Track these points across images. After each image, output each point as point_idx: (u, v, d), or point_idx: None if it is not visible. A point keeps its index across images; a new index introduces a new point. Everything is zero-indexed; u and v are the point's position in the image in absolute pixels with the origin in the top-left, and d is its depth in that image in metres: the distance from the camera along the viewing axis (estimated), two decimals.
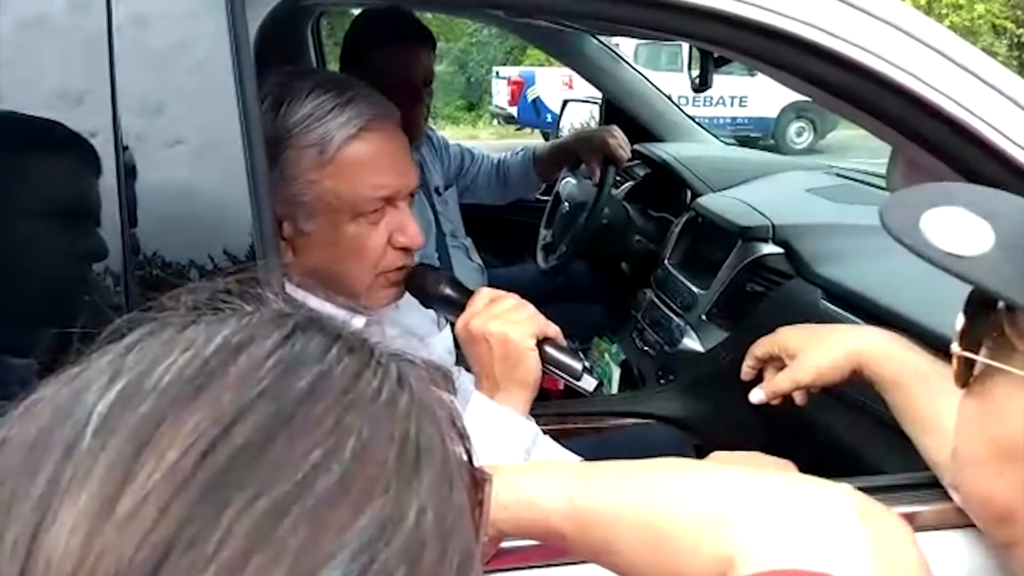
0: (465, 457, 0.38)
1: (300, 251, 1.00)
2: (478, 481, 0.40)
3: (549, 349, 0.98)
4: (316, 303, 0.96)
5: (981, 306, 0.55)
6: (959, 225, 0.52)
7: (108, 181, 0.74)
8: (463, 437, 0.38)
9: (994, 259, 0.51)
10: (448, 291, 1.04)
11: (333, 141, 0.96)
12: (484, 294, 1.00)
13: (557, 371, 0.98)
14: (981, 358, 0.55)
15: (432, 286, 1.04)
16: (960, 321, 0.56)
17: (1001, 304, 0.54)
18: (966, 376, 0.57)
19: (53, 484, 0.29)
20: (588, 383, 0.98)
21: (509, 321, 0.96)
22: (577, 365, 0.98)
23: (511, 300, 0.99)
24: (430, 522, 0.32)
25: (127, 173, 0.74)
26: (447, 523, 0.33)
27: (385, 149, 1.00)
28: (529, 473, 0.57)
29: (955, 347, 0.56)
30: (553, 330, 0.99)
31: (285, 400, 0.31)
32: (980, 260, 0.51)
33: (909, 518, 0.83)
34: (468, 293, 1.03)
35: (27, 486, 0.29)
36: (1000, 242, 0.52)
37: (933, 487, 0.86)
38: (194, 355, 0.32)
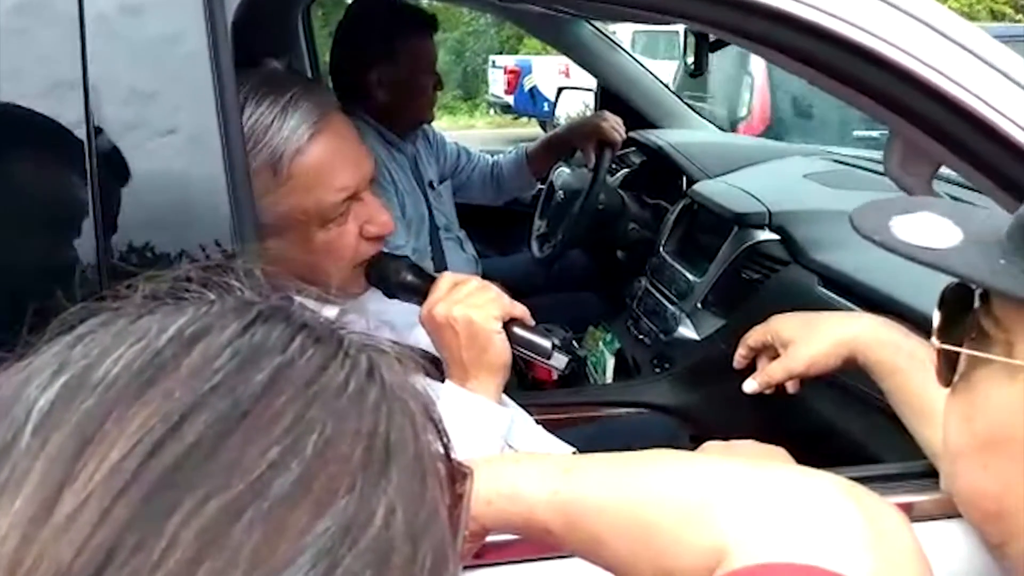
0: (442, 451, 0.36)
1: (271, 265, 0.96)
2: (457, 476, 0.38)
3: (517, 329, 0.96)
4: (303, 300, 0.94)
5: (956, 303, 0.57)
6: (928, 226, 0.55)
7: (81, 173, 0.73)
8: (439, 430, 0.36)
9: (963, 250, 0.53)
10: (409, 278, 1.01)
11: (284, 157, 0.92)
12: (446, 279, 0.98)
13: (526, 351, 0.96)
14: (961, 349, 0.56)
15: (393, 274, 1.02)
16: (936, 318, 0.57)
17: (976, 303, 0.56)
18: (948, 375, 0.58)
19: None
20: (559, 361, 0.96)
21: (473, 304, 0.93)
22: (546, 343, 0.96)
23: (474, 283, 0.97)
24: (400, 522, 0.30)
25: (100, 164, 0.73)
26: (419, 522, 0.31)
27: (338, 147, 0.96)
28: (512, 465, 0.56)
29: (935, 341, 0.57)
30: (520, 310, 0.97)
31: (241, 394, 0.29)
32: (949, 251, 0.53)
33: (906, 508, 0.82)
34: (430, 279, 1.00)
35: None
36: (968, 238, 0.53)
37: (930, 476, 0.85)
38: (145, 347, 0.30)
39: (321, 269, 0.97)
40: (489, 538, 0.62)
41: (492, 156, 2.24)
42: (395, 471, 0.31)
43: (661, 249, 1.94)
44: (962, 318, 0.56)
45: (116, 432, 0.28)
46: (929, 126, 0.88)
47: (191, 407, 0.29)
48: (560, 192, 2.13)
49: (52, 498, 0.27)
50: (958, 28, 0.84)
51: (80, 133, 0.73)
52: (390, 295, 1.04)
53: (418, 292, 1.00)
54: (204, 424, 0.28)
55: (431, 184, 2.01)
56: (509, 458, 0.59)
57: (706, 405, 1.63)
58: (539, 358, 0.97)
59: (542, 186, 2.29)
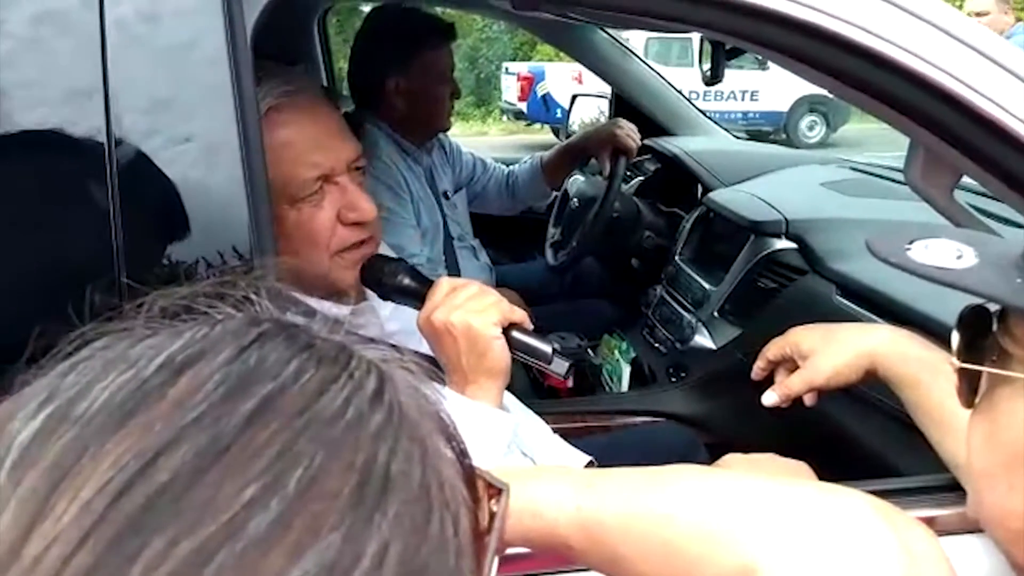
0: (462, 471, 0.34)
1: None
2: (490, 493, 0.37)
3: (516, 334, 0.94)
4: (314, 303, 0.94)
5: (974, 324, 0.57)
6: (944, 249, 0.55)
7: (101, 181, 0.73)
8: (459, 451, 0.35)
9: (980, 270, 0.53)
10: (406, 281, 1.00)
11: None
12: (444, 284, 0.96)
13: (527, 356, 0.95)
14: (982, 368, 0.56)
15: (389, 276, 1.00)
16: (955, 339, 0.57)
17: (995, 326, 0.56)
18: (970, 396, 0.58)
19: None
20: (559, 366, 0.95)
21: (471, 310, 0.92)
22: (547, 348, 0.95)
23: (472, 288, 0.95)
24: (393, 560, 0.28)
25: (120, 172, 0.73)
26: (419, 558, 0.29)
27: (304, 125, 0.97)
28: (535, 480, 0.55)
29: (955, 361, 0.57)
30: (519, 315, 0.95)
31: (224, 426, 0.28)
32: (965, 271, 0.53)
33: (927, 522, 0.80)
34: (428, 283, 0.98)
35: None
36: (985, 261, 0.54)
37: (951, 490, 0.84)
38: (133, 375, 0.29)
39: (303, 256, 0.97)
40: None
41: (507, 166, 2.24)
42: (394, 503, 0.29)
43: (676, 257, 1.93)
44: (981, 338, 0.56)
45: (90, 469, 0.26)
46: (947, 132, 0.87)
47: (169, 442, 0.27)
48: (575, 200, 2.13)
49: (21, 539, 0.26)
50: (974, 33, 0.83)
51: (101, 141, 0.73)
52: (385, 298, 1.02)
53: (415, 296, 0.98)
54: (180, 460, 0.27)
55: (445, 194, 2.01)
56: (530, 472, 0.58)
57: (722, 414, 1.62)
58: (539, 363, 0.95)
59: (556, 193, 2.29)
